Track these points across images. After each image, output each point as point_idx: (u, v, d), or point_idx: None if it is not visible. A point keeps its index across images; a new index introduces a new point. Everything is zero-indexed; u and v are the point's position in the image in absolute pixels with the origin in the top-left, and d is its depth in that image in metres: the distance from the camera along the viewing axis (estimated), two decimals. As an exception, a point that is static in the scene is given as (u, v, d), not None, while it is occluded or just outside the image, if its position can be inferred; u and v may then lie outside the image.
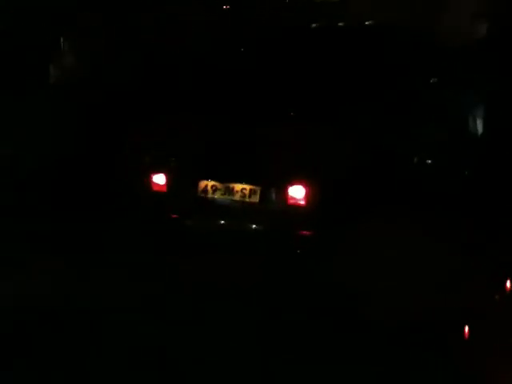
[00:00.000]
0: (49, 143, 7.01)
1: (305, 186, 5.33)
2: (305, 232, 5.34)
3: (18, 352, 4.54)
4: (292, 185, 5.35)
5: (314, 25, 7.78)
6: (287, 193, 5.35)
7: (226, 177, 5.56)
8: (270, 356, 4.48)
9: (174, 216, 5.82)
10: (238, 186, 5.52)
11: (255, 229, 5.48)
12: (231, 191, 5.53)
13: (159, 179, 5.76)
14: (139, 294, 5.37)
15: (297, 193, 5.35)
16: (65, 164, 6.90)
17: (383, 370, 4.31)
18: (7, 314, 4.94)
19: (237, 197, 5.51)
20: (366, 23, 7.82)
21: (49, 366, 4.39)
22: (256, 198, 5.46)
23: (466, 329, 3.45)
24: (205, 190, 5.61)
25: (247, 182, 5.49)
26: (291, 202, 5.35)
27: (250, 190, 5.48)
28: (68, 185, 6.86)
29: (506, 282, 3.57)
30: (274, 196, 5.42)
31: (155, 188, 5.80)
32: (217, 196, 5.58)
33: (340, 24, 7.75)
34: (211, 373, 4.28)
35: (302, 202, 5.34)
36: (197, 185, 5.63)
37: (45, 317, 4.95)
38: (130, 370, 4.31)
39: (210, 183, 5.60)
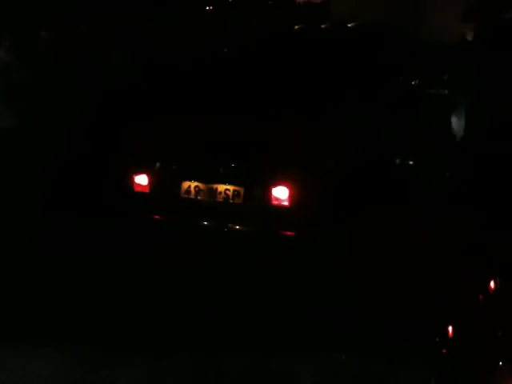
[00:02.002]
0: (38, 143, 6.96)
1: (288, 187, 5.31)
2: (288, 232, 5.33)
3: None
4: (276, 186, 5.33)
5: (296, 27, 7.80)
6: (271, 194, 5.34)
7: (209, 178, 5.54)
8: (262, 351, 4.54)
9: (157, 217, 5.78)
10: (221, 187, 5.49)
11: (239, 230, 5.46)
12: (215, 192, 5.50)
13: (141, 180, 5.71)
14: (124, 292, 5.39)
15: (280, 194, 5.33)
16: (52, 164, 6.86)
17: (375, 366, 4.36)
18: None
19: (220, 198, 5.49)
20: (349, 25, 7.85)
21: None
22: (239, 199, 5.44)
23: (451, 328, 3.45)
24: (188, 191, 5.58)
25: (231, 183, 5.47)
26: (275, 202, 5.34)
27: (234, 190, 5.46)
28: (54, 186, 6.83)
29: (489, 283, 3.58)
30: (257, 197, 5.39)
31: (137, 189, 5.75)
32: (200, 197, 5.55)
33: (323, 26, 7.79)
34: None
35: (286, 203, 5.33)
36: (180, 186, 5.60)
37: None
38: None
39: (193, 184, 5.56)
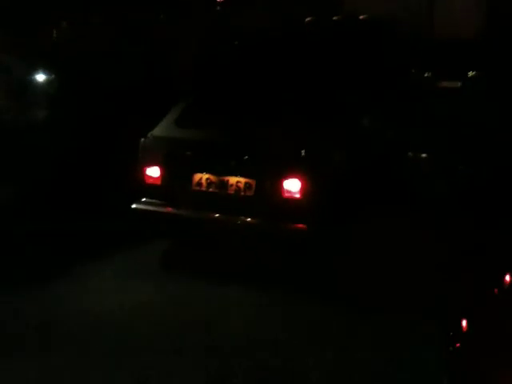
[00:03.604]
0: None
1: (300, 180, 5.29)
2: (300, 225, 5.29)
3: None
4: (287, 178, 5.31)
5: (308, 19, 7.77)
6: (282, 186, 5.31)
7: (220, 170, 5.51)
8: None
9: (169, 209, 5.76)
10: (232, 179, 5.47)
11: (250, 222, 5.43)
12: (226, 184, 5.49)
13: (153, 172, 5.70)
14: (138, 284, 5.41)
15: (292, 186, 5.31)
16: (64, 158, 6.89)
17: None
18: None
19: (231, 190, 5.47)
20: (360, 17, 7.81)
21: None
22: (251, 191, 5.42)
23: (464, 322, 3.42)
24: (199, 183, 5.56)
25: (242, 176, 5.45)
26: (286, 195, 5.31)
27: (245, 183, 5.44)
28: (65, 181, 6.87)
29: (504, 277, 3.54)
30: (269, 189, 5.37)
31: (149, 181, 5.73)
32: (211, 189, 5.53)
33: (335, 18, 7.75)
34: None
35: (298, 196, 5.30)
36: (191, 178, 5.58)
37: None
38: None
39: (205, 176, 5.55)
